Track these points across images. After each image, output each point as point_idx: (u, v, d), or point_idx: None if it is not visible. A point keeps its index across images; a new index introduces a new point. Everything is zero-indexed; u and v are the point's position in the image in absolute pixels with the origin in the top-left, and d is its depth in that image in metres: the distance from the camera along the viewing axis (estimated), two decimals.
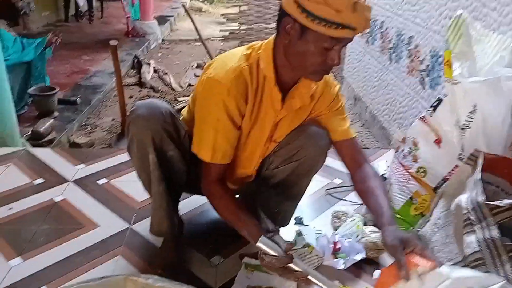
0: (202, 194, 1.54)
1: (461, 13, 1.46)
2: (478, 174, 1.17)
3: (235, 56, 1.20)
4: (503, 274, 1.01)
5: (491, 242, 1.04)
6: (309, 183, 1.44)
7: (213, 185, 1.25)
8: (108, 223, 1.62)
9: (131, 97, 3.63)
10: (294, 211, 1.51)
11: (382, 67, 2.65)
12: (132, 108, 1.25)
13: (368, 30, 2.90)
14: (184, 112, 1.40)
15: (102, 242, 1.53)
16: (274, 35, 1.19)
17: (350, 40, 1.10)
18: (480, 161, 1.18)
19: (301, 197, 1.47)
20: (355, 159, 1.31)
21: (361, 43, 3.04)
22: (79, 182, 1.90)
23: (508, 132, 1.40)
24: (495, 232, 1.04)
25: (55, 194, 1.80)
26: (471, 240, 1.08)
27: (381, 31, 2.66)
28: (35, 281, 1.35)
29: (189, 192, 1.52)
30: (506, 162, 1.22)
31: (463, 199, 1.17)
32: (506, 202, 1.07)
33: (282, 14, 1.10)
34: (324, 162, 1.36)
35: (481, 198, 1.09)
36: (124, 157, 2.11)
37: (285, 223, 1.52)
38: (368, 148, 2.58)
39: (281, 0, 1.10)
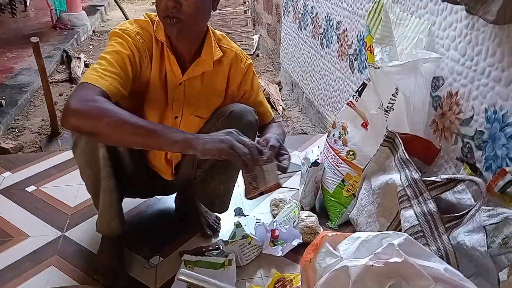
0: (142, 196, 1.50)
1: None
2: (403, 154, 1.23)
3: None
4: (441, 244, 1.07)
5: (429, 215, 1.11)
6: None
7: (95, 95, 1.04)
8: (39, 233, 1.54)
9: (61, 94, 3.44)
10: (230, 196, 1.48)
11: (314, 53, 2.69)
12: None
13: (300, 16, 2.93)
14: None
15: (34, 253, 1.45)
16: None
17: None
18: (399, 141, 1.24)
19: (236, 180, 1.44)
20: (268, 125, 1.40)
21: (294, 29, 3.07)
22: (5, 192, 1.78)
23: (428, 112, 1.48)
24: (432, 206, 1.11)
25: None
26: (410, 215, 1.13)
27: (312, 16, 2.70)
28: None
29: (129, 195, 1.47)
30: (418, 141, 1.29)
31: (396, 177, 1.23)
32: (443, 177, 1.13)
33: None
34: (254, 139, 1.32)
35: (416, 175, 1.16)
36: (54, 160, 2.01)
37: (223, 209, 1.51)
38: (306, 133, 2.64)
39: None
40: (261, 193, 1.11)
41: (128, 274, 1.36)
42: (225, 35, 1.36)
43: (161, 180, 1.44)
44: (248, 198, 1.11)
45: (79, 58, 4.10)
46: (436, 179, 1.14)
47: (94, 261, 1.39)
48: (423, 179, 1.15)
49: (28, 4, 6.20)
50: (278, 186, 1.12)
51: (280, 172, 1.12)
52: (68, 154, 2.01)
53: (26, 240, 1.51)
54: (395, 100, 1.43)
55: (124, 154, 1.26)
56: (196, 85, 1.30)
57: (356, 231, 1.39)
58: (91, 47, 4.89)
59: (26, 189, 1.80)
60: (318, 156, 1.64)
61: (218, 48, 1.30)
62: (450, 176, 1.14)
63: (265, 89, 3.06)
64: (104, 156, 1.19)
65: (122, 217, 1.34)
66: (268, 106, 1.46)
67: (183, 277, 1.00)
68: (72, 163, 1.93)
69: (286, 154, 1.15)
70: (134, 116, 1.03)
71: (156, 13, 1.24)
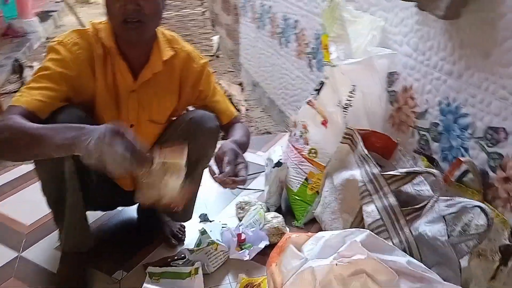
0: (103, 209, 1.44)
1: None
2: (362, 150, 1.24)
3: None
4: (403, 237, 1.09)
5: (390, 209, 1.12)
6: (203, 171, 1.37)
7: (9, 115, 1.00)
8: None
9: None
10: (194, 204, 1.45)
11: (274, 52, 2.70)
12: None
13: (258, 16, 2.93)
14: None
15: None
16: None
17: None
18: (358, 137, 1.26)
19: (198, 188, 1.41)
20: (232, 126, 1.36)
21: (253, 29, 3.06)
22: None
23: (385, 107, 1.51)
24: (392, 200, 1.13)
25: None
26: (372, 209, 1.15)
27: (270, 16, 2.70)
28: None
29: (91, 208, 1.41)
30: (376, 137, 1.31)
31: (356, 173, 1.24)
32: (402, 171, 1.15)
33: None
34: (215, 146, 1.30)
35: (376, 170, 1.17)
36: (7, 177, 1.91)
37: (186, 218, 1.48)
38: (270, 133, 2.64)
39: None
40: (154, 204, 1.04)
41: None
42: (176, 36, 1.33)
43: (121, 190, 1.39)
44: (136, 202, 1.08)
45: (31, 67, 3.94)
46: (395, 173, 1.16)
47: (55, 280, 1.32)
48: (382, 173, 1.17)
49: None
50: (176, 204, 1.06)
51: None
52: (21, 170, 1.92)
53: None
54: (353, 97, 1.45)
55: (92, 172, 1.19)
56: (148, 89, 1.26)
57: (322, 229, 1.39)
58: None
59: None
60: (281, 156, 1.64)
61: (169, 49, 1.26)
62: (408, 169, 1.17)
63: (226, 90, 3.04)
64: (70, 170, 1.13)
65: (90, 232, 1.29)
66: (229, 104, 1.42)
67: None
68: (26, 179, 1.84)
69: (243, 163, 1.11)
70: (38, 125, 0.97)
71: (101, 21, 1.20)
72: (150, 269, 1.31)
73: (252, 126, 2.79)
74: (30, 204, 1.69)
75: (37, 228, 1.56)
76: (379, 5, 1.56)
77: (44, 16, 5.85)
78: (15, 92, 3.58)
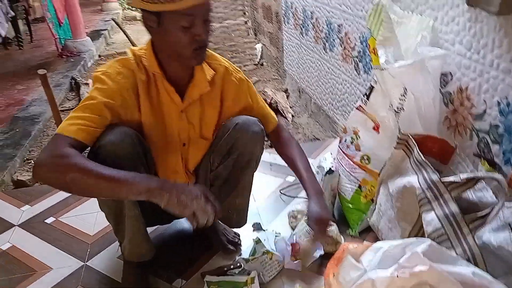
0: (161, 223, 1.47)
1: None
2: (419, 155, 1.21)
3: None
4: (466, 246, 1.05)
5: (452, 217, 1.08)
6: (253, 175, 1.42)
7: (63, 148, 1.05)
8: (61, 264, 1.55)
9: None
10: (247, 209, 1.48)
11: (318, 57, 2.68)
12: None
13: (300, 22, 2.93)
14: None
15: (57, 285, 1.45)
16: None
17: (207, 10, 1.14)
18: (413, 142, 1.22)
19: (250, 191, 1.45)
20: (282, 141, 1.42)
21: (296, 35, 3.07)
22: (25, 225, 1.80)
23: (439, 109, 1.46)
24: (454, 207, 1.09)
25: (2, 241, 1.70)
26: (432, 218, 1.11)
27: (312, 21, 2.69)
28: None
29: (149, 223, 1.45)
30: (432, 141, 1.27)
31: (413, 180, 1.20)
32: (462, 176, 1.11)
33: (142, 13, 1.15)
34: (262, 149, 1.36)
35: (434, 176, 1.13)
36: None
37: (241, 223, 1.51)
38: (318, 139, 2.62)
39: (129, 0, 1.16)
40: None
41: None
42: (210, 51, 1.34)
43: None
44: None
45: (87, 84, 4.16)
46: (455, 179, 1.12)
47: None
48: (442, 180, 1.13)
49: (33, 35, 6.33)
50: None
51: None
52: None
53: (49, 272, 1.52)
54: (404, 100, 1.41)
55: None
56: (195, 108, 1.30)
57: (378, 238, 1.36)
58: None
59: (45, 221, 1.82)
60: (332, 163, 1.62)
61: (208, 67, 1.30)
62: (469, 175, 1.12)
63: (272, 97, 3.06)
64: None
65: (151, 241, 1.34)
66: (270, 111, 1.45)
67: None
68: None
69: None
70: (101, 166, 1.04)
71: (140, 47, 1.25)
72: (208, 277, 1.34)
73: (299, 132, 2.79)
74: (93, 216, 1.78)
75: (100, 238, 1.64)
76: (426, 4, 1.52)
77: (95, 35, 6.17)
78: (73, 108, 3.79)
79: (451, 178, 1.12)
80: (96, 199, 1.28)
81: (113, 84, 1.18)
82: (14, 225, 1.80)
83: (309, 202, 1.29)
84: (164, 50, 1.20)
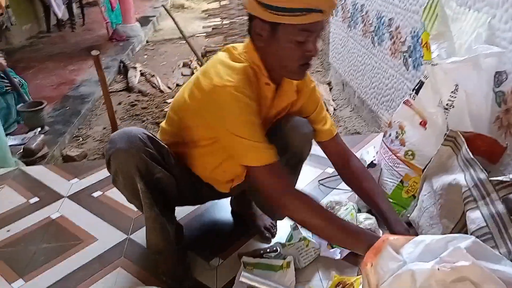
0: (193, 204, 1.52)
1: None
2: (467, 153, 1.18)
3: (224, 62, 1.16)
4: (511, 246, 1.02)
5: (498, 216, 1.06)
6: (300, 173, 1.44)
7: (286, 190, 1.12)
8: (106, 236, 1.63)
9: (120, 103, 3.62)
10: None
11: (366, 51, 2.65)
12: (109, 141, 1.21)
13: (349, 15, 2.90)
14: (164, 124, 1.38)
15: (102, 255, 1.54)
16: (248, 39, 1.19)
17: (322, 27, 1.11)
18: (462, 140, 1.20)
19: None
20: (340, 155, 1.38)
21: (344, 28, 3.03)
22: (74, 197, 1.90)
23: (491, 108, 1.41)
24: (500, 207, 1.06)
25: (52, 211, 1.81)
26: (476, 216, 1.09)
27: (362, 14, 2.65)
28: None
29: (180, 205, 1.50)
30: (482, 140, 1.23)
31: (460, 177, 1.18)
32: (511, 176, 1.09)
33: (250, 19, 1.11)
34: (310, 150, 1.37)
35: (482, 175, 1.11)
36: None
37: (282, 216, 1.51)
38: (359, 133, 2.60)
39: (245, 5, 1.11)
40: None
41: (192, 275, 1.41)
42: None
43: (215, 190, 1.44)
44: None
45: (135, 68, 4.30)
46: (504, 179, 1.09)
47: (160, 263, 1.41)
48: (490, 179, 1.10)
49: (85, 18, 6.57)
50: None
51: None
52: None
53: (94, 243, 1.61)
54: (455, 97, 1.38)
55: (165, 178, 1.25)
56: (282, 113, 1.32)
57: (417, 233, 1.35)
58: (145, 56, 5.10)
59: (92, 194, 1.92)
60: (374, 156, 1.61)
61: None
62: None
63: None
64: (143, 189, 1.22)
65: (169, 238, 1.32)
66: (330, 120, 1.42)
67: (244, 280, 1.02)
68: None
69: None
70: (334, 217, 1.13)
71: (256, 56, 1.17)
72: (245, 258, 1.37)
73: (340, 125, 2.77)
74: None
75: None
76: (485, 1, 1.47)
77: (144, 21, 6.34)
78: (121, 90, 3.93)
79: (499, 178, 1.09)
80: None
81: (250, 101, 1.13)
82: (63, 196, 1.91)
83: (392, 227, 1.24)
84: (269, 60, 1.16)
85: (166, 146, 1.27)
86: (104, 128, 3.16)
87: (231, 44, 1.24)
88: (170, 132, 1.34)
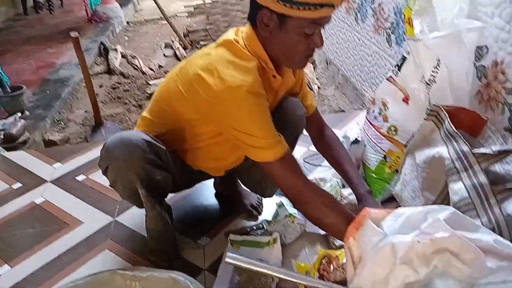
0: (183, 189, 1.54)
1: None
2: (450, 127, 1.20)
3: (234, 62, 1.11)
4: (493, 216, 1.05)
5: (480, 187, 1.09)
6: (295, 147, 1.45)
7: (305, 186, 1.13)
8: (91, 219, 1.63)
9: (101, 86, 3.55)
10: None
11: (349, 28, 2.64)
12: (106, 148, 1.19)
13: None
14: (151, 115, 1.32)
15: (88, 238, 1.54)
16: (248, 26, 1.17)
17: (329, 20, 1.10)
18: (444, 114, 1.21)
19: None
20: (318, 127, 1.45)
21: None
22: (58, 181, 1.89)
23: (472, 82, 1.43)
24: (482, 178, 1.08)
25: (36, 196, 1.79)
26: (459, 188, 1.11)
27: None
28: (26, 285, 1.36)
29: (172, 192, 1.49)
30: (464, 114, 1.25)
31: (443, 151, 1.20)
32: (494, 149, 1.11)
33: (256, 7, 1.08)
34: (303, 130, 1.40)
35: (465, 147, 1.13)
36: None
37: (272, 194, 1.54)
38: (343, 111, 2.61)
39: None
40: None
41: (181, 255, 1.42)
42: None
43: (206, 174, 1.45)
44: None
45: (116, 49, 4.21)
46: (486, 151, 1.11)
47: (151, 244, 1.40)
48: (472, 151, 1.12)
49: (63, 0, 6.39)
50: None
51: None
52: None
53: (80, 226, 1.60)
54: (437, 73, 1.39)
55: (164, 177, 1.24)
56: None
57: (401, 207, 1.37)
58: (126, 38, 5.00)
59: (76, 178, 1.90)
60: (358, 133, 1.62)
61: None
62: (502, 147, 1.11)
63: None
64: (144, 194, 1.22)
65: (169, 230, 1.34)
66: (310, 94, 1.46)
67: (230, 260, 1.03)
68: None
69: None
70: (334, 203, 1.14)
71: (256, 44, 1.15)
72: (232, 236, 1.39)
73: (324, 104, 2.77)
74: None
75: None
76: None
77: (124, 1, 6.17)
78: (102, 73, 3.85)
79: (482, 150, 1.11)
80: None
81: (262, 99, 1.12)
82: (46, 181, 1.89)
83: (363, 202, 1.28)
84: (273, 50, 1.14)
85: (163, 147, 1.23)
86: (86, 112, 3.10)
87: (230, 33, 1.19)
88: (159, 124, 1.29)
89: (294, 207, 1.22)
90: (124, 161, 1.16)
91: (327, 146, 1.43)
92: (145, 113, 1.34)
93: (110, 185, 1.28)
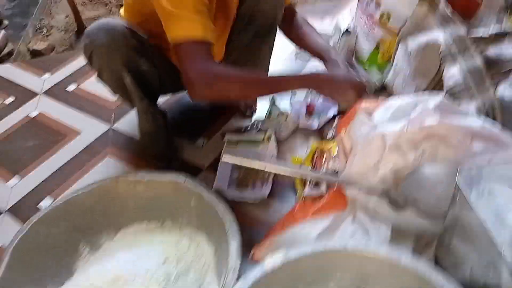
0: (174, 92, 1.53)
1: None
2: (445, 9, 1.15)
3: None
4: (487, 98, 1.06)
5: (475, 70, 1.08)
6: (273, 45, 1.44)
7: (210, 63, 1.08)
8: (89, 128, 1.65)
9: None
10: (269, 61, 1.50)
11: None
12: (86, 35, 1.15)
13: None
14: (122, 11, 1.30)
15: (88, 147, 1.57)
16: None
17: None
18: None
19: (270, 58, 1.48)
20: (289, 14, 1.39)
21: None
22: (49, 93, 1.87)
23: None
24: (478, 61, 1.08)
25: (30, 109, 1.79)
26: (454, 72, 1.11)
27: None
28: (37, 194, 1.42)
29: (162, 93, 1.49)
30: None
31: (437, 35, 1.17)
32: (491, 32, 1.09)
33: None
34: (282, 15, 1.34)
35: (462, 30, 1.10)
36: None
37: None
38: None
39: None
40: None
41: (180, 156, 1.46)
42: None
43: None
44: None
45: None
46: (482, 35, 1.09)
47: (149, 147, 1.44)
48: (468, 34, 1.09)
49: None
50: None
51: None
52: None
53: (78, 136, 1.62)
54: None
55: (149, 69, 1.23)
56: None
57: (392, 95, 1.38)
58: None
59: (67, 88, 1.88)
60: (349, 23, 1.56)
61: None
62: (498, 30, 1.08)
63: None
64: (131, 82, 1.20)
65: (159, 126, 1.38)
66: None
67: (227, 159, 1.06)
68: None
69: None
70: (251, 73, 1.16)
71: None
72: (228, 136, 1.43)
73: None
74: None
75: (122, 103, 1.71)
76: None
77: None
78: None
79: (478, 33, 1.08)
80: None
81: None
82: (38, 94, 1.87)
83: (329, 66, 1.23)
84: None
85: (145, 37, 1.21)
86: (67, 17, 2.95)
87: None
88: (137, 13, 1.25)
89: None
90: (107, 46, 1.14)
91: (294, 28, 1.39)
92: (121, 10, 1.32)
93: (97, 76, 1.28)
